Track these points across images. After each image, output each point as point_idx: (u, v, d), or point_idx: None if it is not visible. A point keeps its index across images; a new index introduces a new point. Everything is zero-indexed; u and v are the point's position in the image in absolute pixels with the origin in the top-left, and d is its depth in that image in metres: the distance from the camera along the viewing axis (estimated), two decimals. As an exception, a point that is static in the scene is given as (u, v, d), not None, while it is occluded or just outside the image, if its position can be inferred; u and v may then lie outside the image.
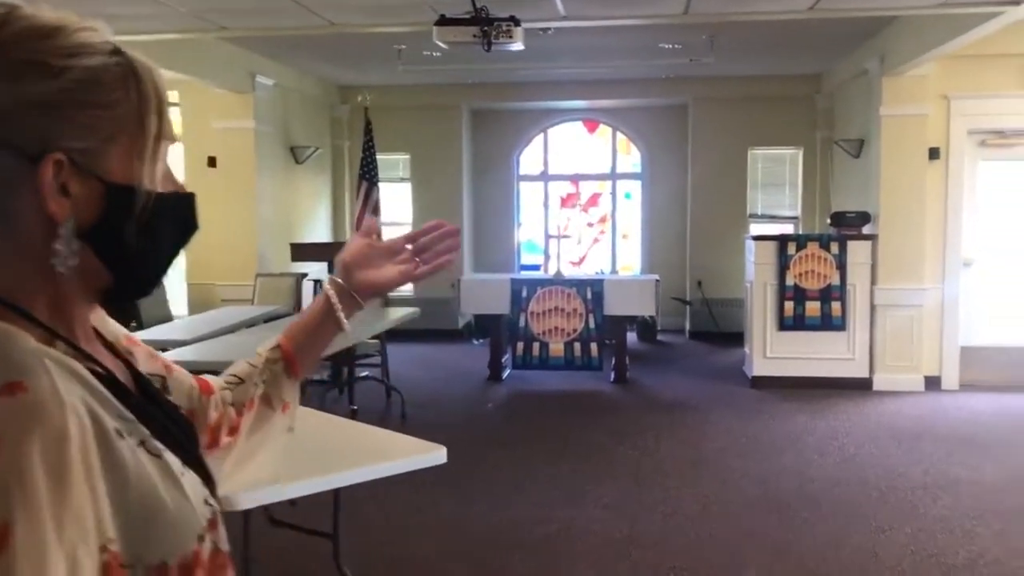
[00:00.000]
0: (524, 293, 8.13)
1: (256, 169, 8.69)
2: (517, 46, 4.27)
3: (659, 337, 10.57)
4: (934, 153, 7.58)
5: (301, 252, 8.30)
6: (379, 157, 10.41)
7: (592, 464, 5.77)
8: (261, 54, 8.57)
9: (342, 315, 1.26)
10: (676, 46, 8.23)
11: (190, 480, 0.91)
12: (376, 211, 10.09)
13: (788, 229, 10.47)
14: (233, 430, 1.24)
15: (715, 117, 10.60)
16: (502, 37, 4.09)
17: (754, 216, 10.68)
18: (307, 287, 8.75)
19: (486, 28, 4.05)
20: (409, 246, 1.28)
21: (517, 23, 4.14)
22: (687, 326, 10.82)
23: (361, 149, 10.10)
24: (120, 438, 0.84)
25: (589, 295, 8.03)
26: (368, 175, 10.02)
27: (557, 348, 8.08)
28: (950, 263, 7.70)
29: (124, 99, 0.88)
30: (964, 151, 7.65)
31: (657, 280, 8.21)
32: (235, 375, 1.28)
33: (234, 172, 8.62)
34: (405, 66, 9.01)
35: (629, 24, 5.72)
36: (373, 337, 7.10)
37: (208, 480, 0.97)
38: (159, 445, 0.89)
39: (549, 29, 7.29)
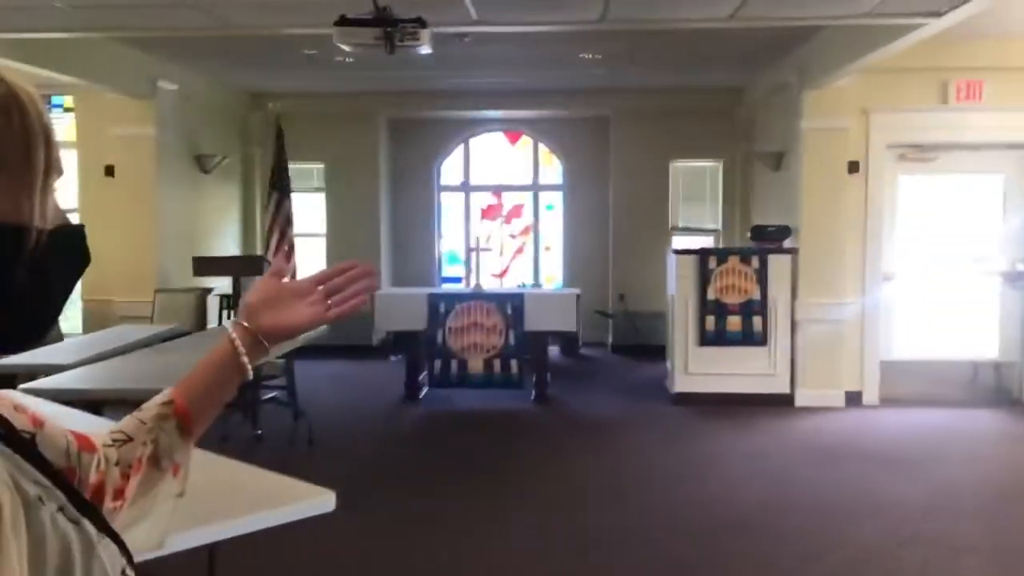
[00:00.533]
0: (442, 308, 7.83)
1: (157, 178, 8.22)
2: (424, 49, 3.99)
3: (582, 351, 10.37)
4: (854, 167, 7.53)
5: (205, 266, 7.87)
6: (293, 166, 10.03)
7: (508, 491, 5.49)
8: (162, 57, 8.10)
9: (247, 361, 1.18)
10: (596, 56, 8.05)
11: (107, 551, 0.87)
12: (288, 222, 9.68)
13: (710, 242, 10.40)
14: (119, 494, 1.11)
15: (637, 129, 10.48)
16: (407, 39, 3.80)
17: (676, 229, 10.58)
18: (213, 303, 8.31)
19: (389, 30, 3.76)
20: (322, 287, 1.24)
21: (424, 25, 3.86)
22: (610, 340, 10.65)
23: (272, 158, 9.69)
24: (41, 505, 0.81)
25: (509, 310, 7.77)
26: (279, 185, 9.61)
27: (476, 365, 7.80)
28: (870, 277, 7.66)
29: (5, 131, 0.84)
30: (884, 165, 7.63)
31: (578, 294, 8.00)
32: (122, 431, 1.15)
33: (133, 182, 8.13)
34: (318, 72, 8.66)
35: (546, 31, 5.50)
36: (279, 356, 6.70)
37: (124, 549, 0.92)
38: (76, 512, 0.85)
39: (466, 36, 7.03)
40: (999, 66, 7.32)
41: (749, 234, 8.19)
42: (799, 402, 7.62)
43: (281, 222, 9.59)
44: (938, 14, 4.52)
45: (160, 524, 1.17)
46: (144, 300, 7.82)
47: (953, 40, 7.04)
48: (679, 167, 10.60)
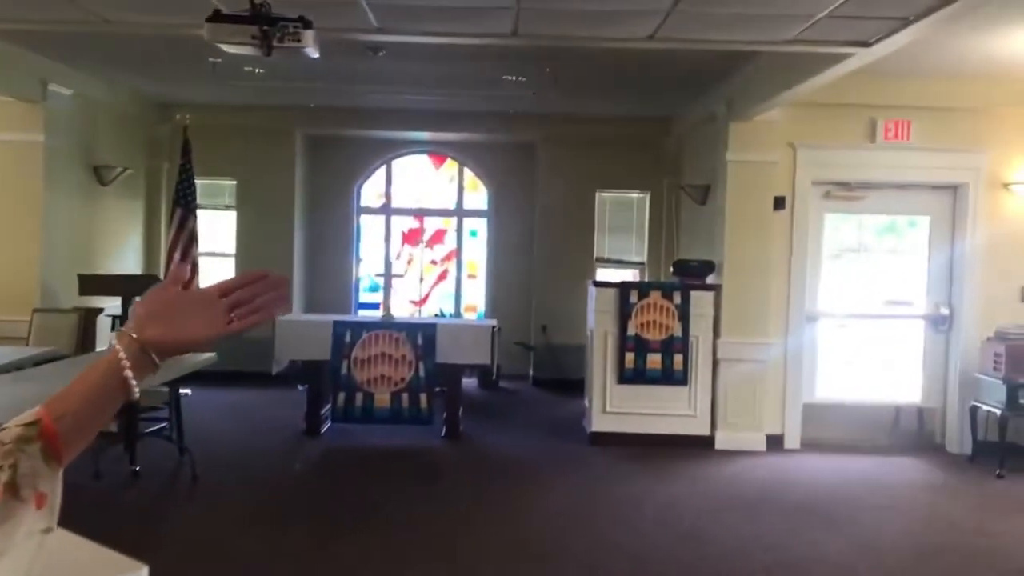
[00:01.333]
0: (348, 338, 7.35)
1: (44, 188, 7.60)
2: (310, 51, 3.58)
3: (501, 384, 9.96)
4: (779, 202, 7.31)
5: (90, 285, 7.28)
6: (203, 182, 9.49)
7: (404, 541, 5.03)
8: (53, 59, 7.52)
9: (131, 377, 1.07)
10: (520, 79, 7.72)
11: None
12: (193, 240, 9.11)
13: (635, 275, 10.13)
14: None
15: (563, 157, 10.19)
16: (288, 40, 3.39)
17: (601, 260, 10.29)
18: (104, 324, 7.70)
19: (266, 28, 3.35)
20: (227, 298, 1.16)
21: (307, 25, 3.45)
22: (531, 372, 10.27)
23: (178, 172, 9.13)
24: None
25: (420, 341, 7.33)
26: (184, 201, 9.04)
27: (383, 399, 7.32)
28: (794, 317, 7.42)
29: None
30: (809, 202, 7.42)
31: (494, 326, 7.60)
32: None
33: (16, 190, 7.51)
34: (228, 83, 8.17)
35: (459, 44, 5.15)
36: (163, 384, 6.15)
37: None
38: None
39: (380, 51, 6.65)
40: (928, 105, 7.19)
41: (672, 269, 7.90)
42: (719, 445, 7.32)
43: (184, 240, 9.01)
44: (866, 44, 4.27)
45: (21, 566, 1.00)
46: (22, 319, 7.18)
47: (882, 77, 6.91)
48: (605, 197, 10.32)
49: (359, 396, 7.33)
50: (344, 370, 7.31)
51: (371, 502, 5.74)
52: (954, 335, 7.48)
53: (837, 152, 7.33)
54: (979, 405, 7.08)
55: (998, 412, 6.80)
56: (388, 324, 7.49)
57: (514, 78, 7.68)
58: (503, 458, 7.04)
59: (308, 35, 3.46)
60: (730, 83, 7.30)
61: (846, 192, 7.51)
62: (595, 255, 10.28)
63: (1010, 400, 6.74)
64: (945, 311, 7.52)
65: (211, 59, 7.17)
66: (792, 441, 7.44)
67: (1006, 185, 7.30)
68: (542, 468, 6.72)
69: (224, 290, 1.16)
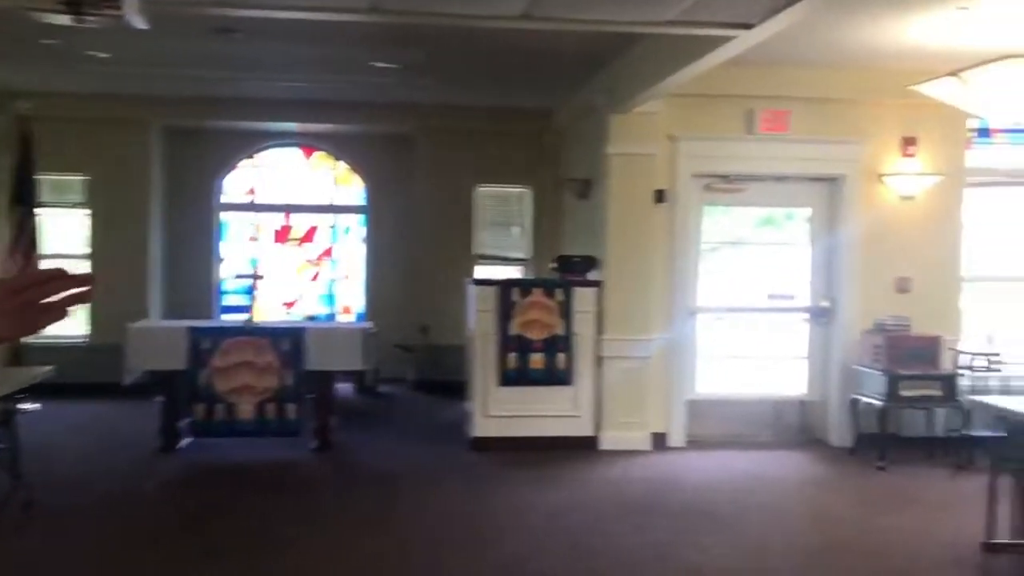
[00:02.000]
0: (206, 345, 6.78)
1: None
2: (133, 21, 3.10)
3: (380, 389, 9.51)
4: (661, 195, 7.13)
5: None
6: (50, 177, 8.72)
7: (269, 565, 4.56)
8: None
9: None
10: (392, 65, 7.30)
11: None
12: (33, 244, 8.32)
13: (518, 272, 9.85)
14: None
15: (442, 150, 9.81)
16: (104, 7, 2.92)
17: (482, 257, 9.95)
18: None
19: (75, -9, 2.88)
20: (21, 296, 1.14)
21: (125, -10, 3.00)
22: (412, 376, 9.85)
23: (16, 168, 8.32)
24: None
25: (286, 347, 6.82)
26: (23, 199, 8.24)
27: (246, 410, 6.79)
28: (677, 312, 7.26)
29: None
30: (691, 195, 7.28)
31: (367, 329, 7.17)
32: None
33: None
34: (72, 68, 7.47)
35: (312, 20, 4.70)
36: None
37: None
38: None
39: (235, 31, 6.13)
40: (805, 96, 7.14)
41: (553, 265, 7.63)
42: (604, 445, 7.09)
43: (25, 243, 8.21)
44: (747, 26, 4.07)
45: None
46: None
47: (760, 67, 6.80)
48: (486, 192, 10.00)
49: (220, 408, 6.77)
50: (203, 380, 6.73)
51: (234, 524, 5.23)
52: (835, 328, 7.47)
53: (717, 144, 7.21)
54: (859, 397, 7.07)
55: (878, 404, 6.79)
56: (250, 330, 6.95)
57: (386, 64, 7.26)
58: (378, 469, 6.62)
59: (128, 1, 2.99)
60: (610, 73, 7.08)
61: (726, 185, 7.39)
62: (476, 252, 9.94)
63: (890, 392, 6.74)
64: (826, 304, 7.50)
65: (43, 41, 6.49)
66: (677, 439, 7.28)
67: (881, 177, 7.32)
68: (420, 478, 6.33)
69: (17, 287, 1.14)
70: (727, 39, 4.42)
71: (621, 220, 7.08)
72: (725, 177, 7.38)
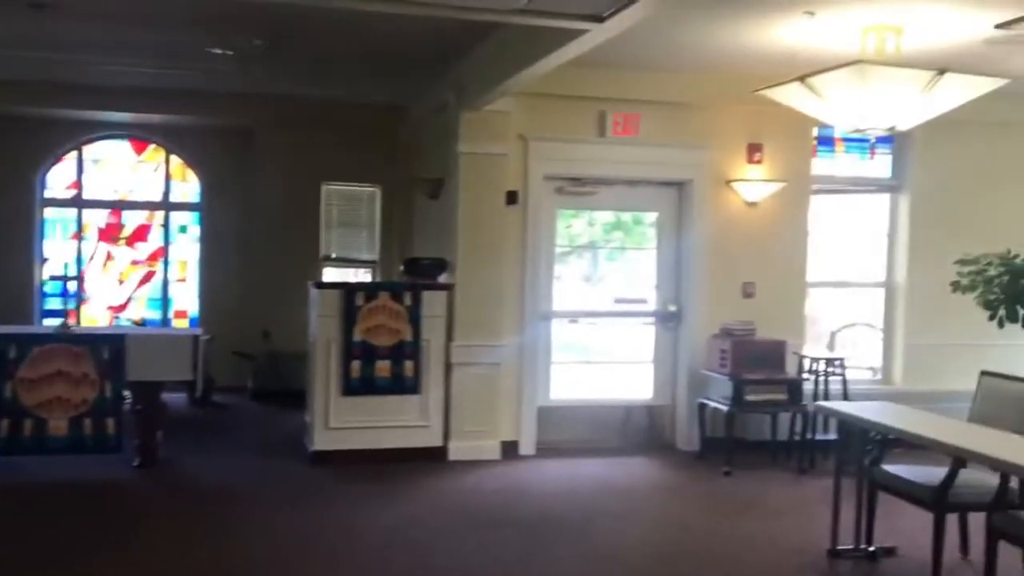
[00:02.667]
0: (12, 354, 6.09)
1: None
2: None
3: (215, 399, 8.91)
4: (512, 197, 6.93)
5: None
6: None
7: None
8: None
9: None
10: (227, 52, 6.80)
11: None
12: None
13: (367, 275, 9.47)
14: None
15: (285, 145, 9.32)
16: None
17: (329, 259, 9.51)
18: None
19: None
20: None
21: None
22: (251, 384, 9.30)
23: None
24: None
25: (105, 355, 6.22)
26: None
27: (59, 426, 6.15)
28: (528, 316, 7.08)
29: None
30: (542, 197, 7.11)
31: (197, 336, 6.63)
32: None
33: None
34: None
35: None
36: None
37: None
38: None
39: (43, 6, 5.52)
40: (655, 100, 7.11)
41: (402, 267, 7.31)
42: (453, 455, 6.83)
43: None
44: (598, 18, 3.89)
45: None
46: None
47: (612, 69, 6.74)
48: (333, 190, 9.56)
49: (28, 423, 6.11)
50: (7, 393, 6.05)
51: (43, 552, 4.65)
52: (682, 332, 7.48)
53: (568, 146, 7.08)
54: (706, 402, 7.09)
55: (724, 408, 6.81)
56: (65, 337, 6.30)
57: (221, 51, 6.75)
58: (206, 487, 6.12)
59: None
60: (461, 69, 6.82)
61: (578, 187, 7.27)
62: (322, 254, 9.49)
63: (736, 396, 6.77)
64: (673, 308, 7.50)
65: None
66: (527, 447, 7.10)
67: (728, 182, 7.38)
68: (253, 496, 5.87)
69: None
70: (577, 33, 4.24)
71: (472, 222, 6.84)
72: (577, 180, 7.26)
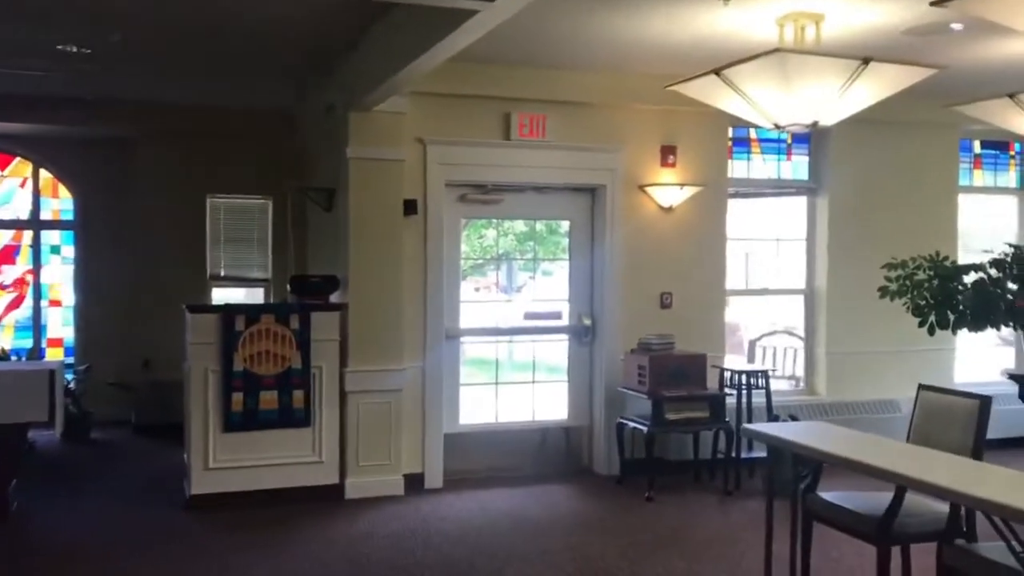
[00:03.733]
0: None
1: None
2: None
3: (93, 435, 8.07)
4: (410, 206, 6.34)
5: None
6: None
7: None
8: None
9: None
10: (83, 50, 6.06)
11: None
12: None
13: (260, 295, 8.73)
14: None
15: (168, 156, 8.56)
16: None
17: (219, 279, 8.74)
18: None
19: None
20: None
21: None
22: (134, 418, 8.47)
23: None
24: None
25: (-59, 397, 5.40)
26: None
27: None
28: (432, 337, 6.49)
29: None
30: (444, 206, 6.54)
31: (54, 370, 5.83)
32: None
33: None
34: None
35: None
36: None
37: None
38: None
39: None
40: (562, 99, 6.63)
41: (289, 287, 6.64)
42: (351, 493, 6.18)
43: None
44: (490, -2, 3.35)
45: None
46: None
47: (515, 67, 6.30)
48: (221, 203, 8.80)
49: None
50: None
51: None
52: (598, 347, 6.99)
53: (471, 149, 6.53)
54: (625, 422, 6.60)
55: (644, 429, 6.33)
56: None
57: (74, 49, 6.00)
58: (65, 542, 5.33)
59: None
60: (347, 66, 6.22)
61: (483, 195, 6.73)
62: (210, 272, 8.72)
63: (655, 415, 6.30)
64: (588, 322, 7.00)
65: None
66: (434, 479, 6.50)
67: (642, 187, 6.93)
68: (111, 555, 5.10)
69: None
70: (465, 16, 3.68)
71: (366, 234, 6.22)
72: (482, 187, 6.72)
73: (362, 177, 6.19)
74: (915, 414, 4.49)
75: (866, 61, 4.55)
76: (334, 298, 6.39)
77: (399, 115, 6.22)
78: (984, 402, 4.12)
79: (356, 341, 6.20)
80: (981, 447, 4.05)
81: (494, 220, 6.96)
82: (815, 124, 5.05)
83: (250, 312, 6.03)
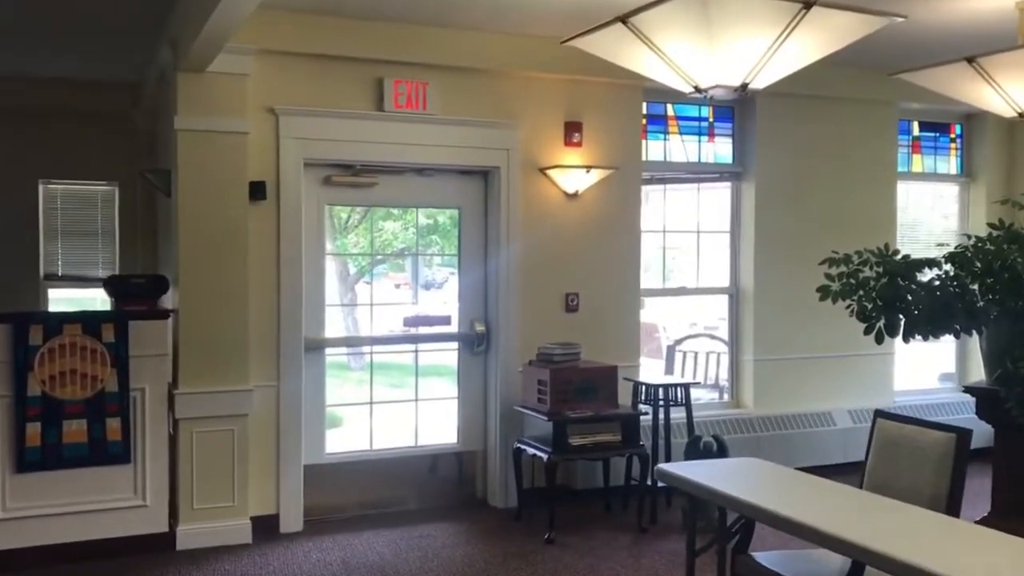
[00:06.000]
0: None
1: None
2: None
3: None
4: (258, 190, 5.20)
5: None
6: None
7: None
8: None
9: None
10: None
11: None
12: None
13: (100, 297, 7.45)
14: None
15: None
16: None
17: (53, 278, 7.44)
18: None
19: None
20: None
21: None
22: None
23: None
24: None
25: None
26: None
27: None
28: (288, 349, 5.36)
29: None
30: (303, 189, 5.41)
31: None
32: None
33: None
34: None
35: None
36: None
37: None
38: None
39: None
40: (446, 64, 5.57)
41: (104, 289, 5.42)
42: (183, 544, 5.01)
43: None
44: None
45: None
46: None
47: (390, 24, 5.28)
48: (56, 190, 7.49)
49: None
50: None
51: None
52: (492, 358, 5.95)
53: (336, 123, 5.41)
54: (523, 447, 5.58)
55: (544, 457, 5.32)
56: None
57: None
58: None
59: None
60: (174, 14, 5.04)
61: (351, 178, 5.62)
62: (44, 272, 7.41)
63: (557, 440, 5.29)
64: (481, 328, 5.96)
65: None
66: (292, 522, 5.37)
67: (543, 170, 5.92)
68: None
69: None
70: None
71: (200, 224, 5.06)
72: (349, 167, 5.61)
73: (194, 154, 5.02)
74: (871, 450, 3.57)
75: (808, 5, 3.61)
76: (165, 303, 5.21)
77: (241, 77, 5.07)
78: (962, 437, 3.22)
79: (188, 356, 5.03)
80: (959, 497, 3.14)
81: (361, 206, 5.84)
82: (743, 88, 4.05)
83: (49, 321, 4.80)
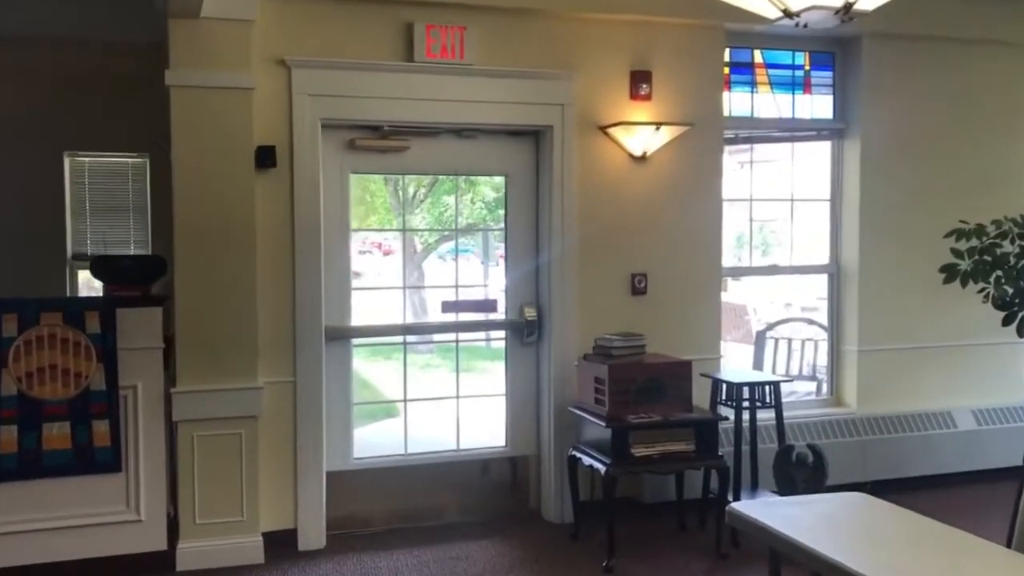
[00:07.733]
0: None
1: None
2: None
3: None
4: (266, 156, 4.48)
5: None
6: None
7: None
8: None
9: None
10: None
11: None
12: None
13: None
14: None
15: (15, 107, 6.68)
16: None
17: (81, 257, 6.93)
18: None
19: None
20: None
21: None
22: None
23: None
24: None
25: None
26: None
27: None
28: (306, 339, 4.65)
29: None
30: (321, 155, 4.67)
31: None
32: None
33: None
34: None
35: None
36: None
37: None
38: None
39: None
40: (488, 4, 4.74)
41: (91, 271, 4.80)
42: (184, 564, 4.37)
43: None
44: None
45: None
46: None
47: None
48: (84, 163, 6.96)
49: None
50: None
51: None
52: (545, 349, 5.14)
53: (359, 76, 4.64)
54: (579, 455, 4.75)
55: (602, 469, 4.48)
56: None
57: None
58: None
59: None
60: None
61: (379, 141, 4.85)
62: (72, 251, 6.91)
63: (617, 450, 4.44)
64: (532, 315, 5.14)
65: None
66: (312, 538, 4.68)
67: (604, 128, 5.04)
68: None
69: None
70: None
71: (197, 195, 4.37)
72: (377, 129, 4.83)
73: (189, 114, 4.32)
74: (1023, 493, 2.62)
75: None
76: (158, 288, 4.56)
77: (245, 24, 4.34)
78: None
79: (187, 349, 4.36)
80: None
81: (391, 174, 5.06)
82: (847, 9, 3.14)
83: (24, 309, 4.18)
